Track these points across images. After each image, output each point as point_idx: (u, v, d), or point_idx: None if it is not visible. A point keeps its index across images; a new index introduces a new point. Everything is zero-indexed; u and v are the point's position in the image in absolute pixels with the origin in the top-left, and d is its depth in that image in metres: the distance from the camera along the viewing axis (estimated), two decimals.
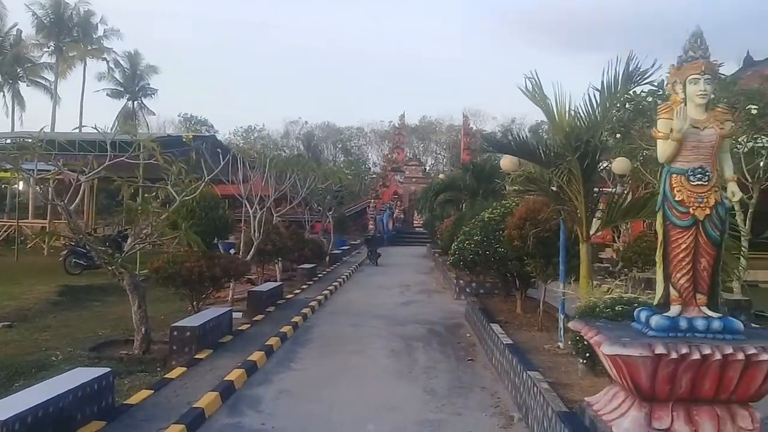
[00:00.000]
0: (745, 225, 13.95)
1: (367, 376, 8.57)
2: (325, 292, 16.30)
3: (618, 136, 14.21)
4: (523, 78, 7.58)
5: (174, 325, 9.09)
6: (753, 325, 12.04)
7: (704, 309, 4.90)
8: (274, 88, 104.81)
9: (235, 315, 11.64)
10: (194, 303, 11.30)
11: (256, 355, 8.94)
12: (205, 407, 6.68)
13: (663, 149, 4.99)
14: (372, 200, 41.50)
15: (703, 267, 4.91)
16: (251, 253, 14.29)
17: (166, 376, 7.91)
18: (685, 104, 5.00)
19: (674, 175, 4.97)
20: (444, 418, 6.89)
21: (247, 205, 14.80)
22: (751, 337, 4.86)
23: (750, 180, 13.74)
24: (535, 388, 6.36)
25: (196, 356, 8.76)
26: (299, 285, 17.38)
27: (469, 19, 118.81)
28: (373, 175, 56.52)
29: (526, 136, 8.68)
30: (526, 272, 10.16)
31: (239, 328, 10.94)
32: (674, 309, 4.92)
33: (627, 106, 14.27)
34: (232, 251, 15.34)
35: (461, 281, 15.92)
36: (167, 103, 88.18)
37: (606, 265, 19.30)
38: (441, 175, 36.08)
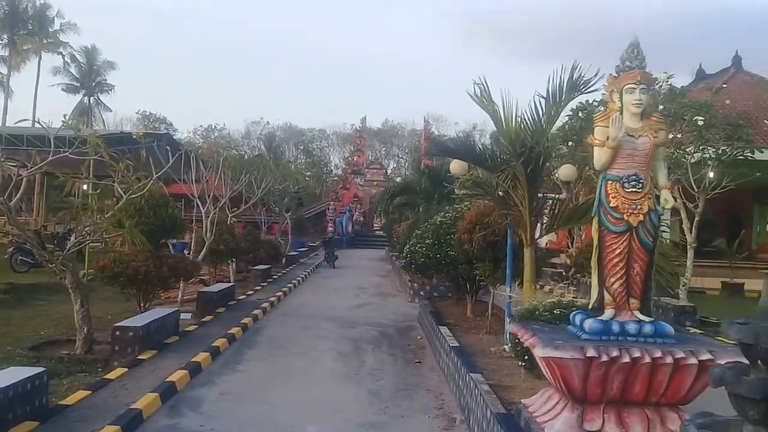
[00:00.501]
0: (691, 234, 14.34)
1: (312, 378, 8.52)
2: (279, 293, 16.17)
3: (570, 144, 14.48)
4: (474, 84, 7.65)
5: (116, 325, 8.89)
6: (697, 330, 12.40)
7: (637, 313, 5.02)
8: (236, 87, 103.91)
9: (183, 316, 11.47)
10: (141, 303, 11.08)
11: (201, 357, 8.81)
12: (143, 408, 6.54)
13: (599, 156, 5.09)
14: (332, 202, 41.40)
15: (636, 272, 5.02)
16: (202, 253, 14.09)
17: (105, 376, 7.74)
18: (621, 113, 5.11)
19: (609, 182, 5.07)
20: (386, 420, 6.89)
21: (200, 205, 14.59)
22: (682, 341, 4.99)
23: (696, 189, 14.14)
24: (476, 390, 6.41)
25: (139, 357, 8.59)
26: (253, 286, 17.20)
27: (435, 24, 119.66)
28: (335, 178, 56.40)
29: (485, 142, 8.81)
30: (476, 276, 10.24)
31: (186, 329, 10.78)
32: (608, 313, 5.02)
33: (580, 114, 14.56)
34: (186, 251, 15.12)
35: (416, 284, 15.97)
36: (125, 100, 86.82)
37: (560, 270, 19.62)
38: (398, 179, 36.22)
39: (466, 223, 9.83)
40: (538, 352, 4.65)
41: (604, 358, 4.54)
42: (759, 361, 3.26)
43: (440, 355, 9.30)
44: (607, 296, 5.04)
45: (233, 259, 17.77)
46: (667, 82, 14.41)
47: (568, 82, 7.04)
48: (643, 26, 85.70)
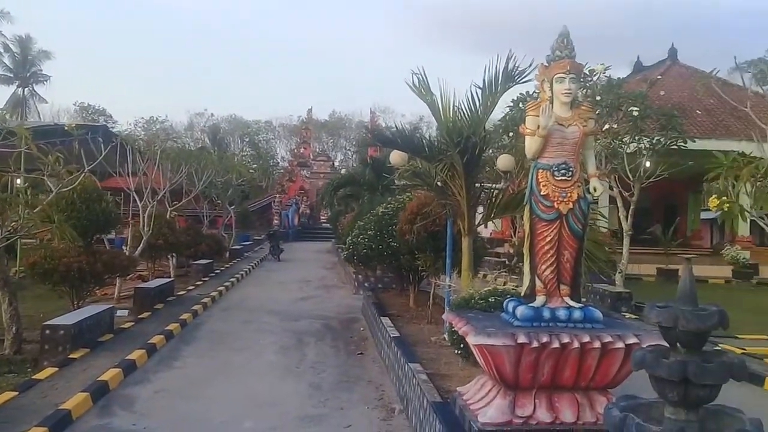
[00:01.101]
0: (627, 221, 14.73)
1: (252, 372, 8.40)
2: (221, 288, 15.90)
3: (511, 134, 14.66)
4: (412, 74, 7.62)
5: (46, 323, 8.55)
6: (632, 315, 12.77)
7: (567, 299, 5.09)
8: (179, 78, 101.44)
9: (120, 313, 11.15)
10: (75, 300, 10.70)
11: (136, 354, 8.56)
12: (72, 408, 6.31)
13: (529, 145, 5.14)
14: (278, 195, 40.93)
15: (567, 259, 5.09)
16: (140, 248, 13.72)
17: (34, 377, 7.45)
18: (552, 102, 5.17)
19: (540, 171, 5.13)
20: (325, 412, 6.84)
21: (136, 198, 14.19)
22: (610, 326, 5.09)
23: (632, 179, 14.52)
24: (414, 380, 6.42)
25: (71, 356, 8.29)
26: (194, 281, 16.85)
27: (385, 15, 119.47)
28: (281, 170, 55.79)
29: (432, 134, 8.81)
30: (417, 266, 10.26)
31: (122, 326, 10.46)
32: (539, 299, 5.08)
33: (520, 105, 14.76)
34: (124, 247, 14.69)
35: (360, 276, 15.95)
36: (63, 91, 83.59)
37: (503, 259, 19.90)
38: (343, 171, 35.98)
39: (407, 213, 9.83)
40: (471, 340, 4.67)
41: (535, 344, 4.59)
42: (678, 344, 3.34)
43: (382, 346, 9.29)
44: (538, 283, 5.10)
45: (173, 254, 17.37)
46: (604, 73, 14.75)
47: (503, 72, 7.09)
48: (585, 19, 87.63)
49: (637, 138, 14.73)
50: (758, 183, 9.00)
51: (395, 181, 9.77)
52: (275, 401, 7.18)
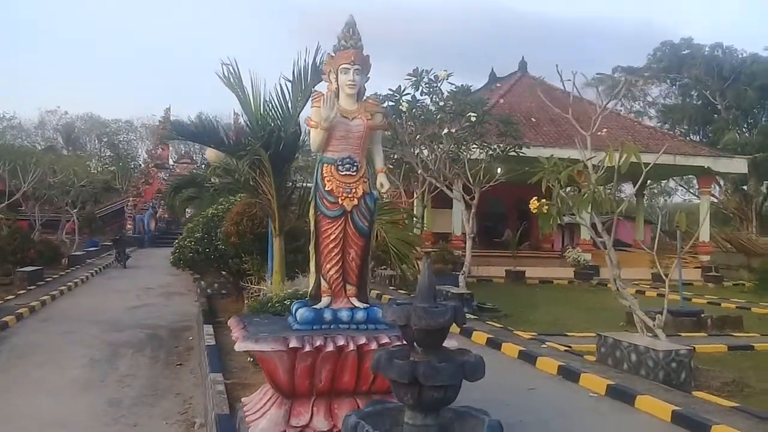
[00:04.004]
0: (469, 224, 15.05)
1: (47, 389, 7.58)
2: (46, 297, 14.57)
3: None
4: (222, 65, 7.20)
5: None
6: (472, 316, 13.01)
7: (354, 300, 4.88)
8: (29, 73, 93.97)
9: None
10: None
11: None
12: None
13: (313, 138, 4.89)
14: (131, 198, 38.66)
15: (352, 258, 4.88)
16: None
17: None
18: (337, 94, 4.95)
19: (325, 165, 4.88)
20: (117, 430, 6.25)
21: None
22: (394, 326, 4.91)
23: (472, 183, 14.87)
24: (211, 390, 5.99)
25: None
26: (16, 290, 15.30)
27: (257, 16, 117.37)
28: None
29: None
30: (245, 270, 9.81)
31: None
32: (324, 301, 4.84)
33: None
34: None
35: (203, 282, 15.18)
36: None
37: None
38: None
39: (232, 214, 9.36)
40: (237, 346, 4.32)
41: (308, 348, 4.32)
42: (414, 343, 3.16)
43: (203, 356, 8.75)
44: (323, 284, 4.85)
45: None
46: (447, 80, 15.02)
47: (311, 66, 6.83)
48: (456, 31, 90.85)
49: (479, 144, 15.13)
50: (577, 187, 9.37)
51: (212, 180, 9.27)
52: (63, 421, 6.48)
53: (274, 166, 6.87)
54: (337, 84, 4.95)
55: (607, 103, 10.34)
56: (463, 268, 14.95)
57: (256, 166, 6.95)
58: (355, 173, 4.84)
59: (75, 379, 8.12)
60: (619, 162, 9.42)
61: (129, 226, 36.27)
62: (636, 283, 20.06)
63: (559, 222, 9.60)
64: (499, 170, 15.44)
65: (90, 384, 7.90)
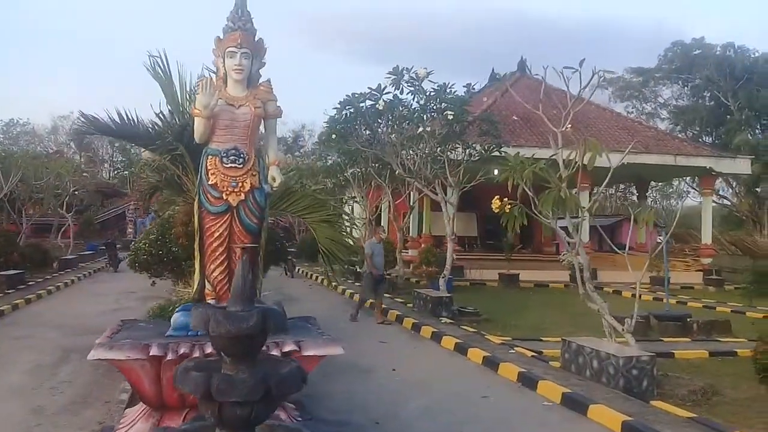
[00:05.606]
0: (449, 226, 14.60)
1: None
2: (20, 300, 14.37)
3: None
4: (149, 56, 6.87)
5: None
6: (448, 319, 12.59)
7: None
8: (43, 77, 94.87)
9: None
10: None
11: None
12: None
13: (196, 127, 4.52)
14: (133, 202, 38.55)
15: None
16: None
17: None
18: (225, 80, 4.57)
19: (210, 157, 4.52)
20: None
21: None
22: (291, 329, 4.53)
23: (452, 184, 14.42)
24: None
25: None
26: None
27: (269, 22, 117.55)
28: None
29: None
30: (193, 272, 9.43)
31: None
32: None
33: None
34: None
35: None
36: None
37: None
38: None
39: (181, 215, 8.98)
40: (90, 354, 3.95)
41: (171, 356, 3.93)
42: (221, 353, 2.76)
43: None
44: (208, 286, 4.47)
45: None
46: (427, 78, 14.60)
47: None
48: (464, 32, 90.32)
49: (460, 143, 14.69)
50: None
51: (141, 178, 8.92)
52: None
53: (195, 161, 6.49)
54: (225, 69, 4.58)
55: (578, 96, 9.86)
56: (444, 271, 14.50)
57: (179, 162, 6.61)
58: (241, 166, 4.46)
59: (10, 385, 7.83)
60: (582, 159, 9.00)
61: (130, 230, 36.21)
62: (633, 286, 19.42)
63: (523, 222, 9.19)
64: (495, 172, 14.95)
65: (22, 390, 7.61)
